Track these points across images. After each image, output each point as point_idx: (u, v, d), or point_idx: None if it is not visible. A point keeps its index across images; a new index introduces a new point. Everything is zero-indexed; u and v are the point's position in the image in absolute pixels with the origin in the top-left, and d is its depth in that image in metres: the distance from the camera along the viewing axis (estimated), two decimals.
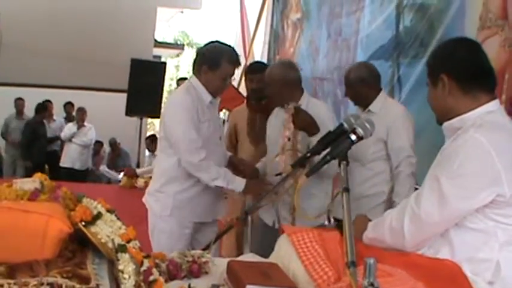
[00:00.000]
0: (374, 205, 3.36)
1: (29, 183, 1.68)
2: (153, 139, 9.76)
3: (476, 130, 1.89)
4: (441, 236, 1.95)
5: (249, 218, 2.42)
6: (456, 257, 1.90)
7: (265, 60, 9.99)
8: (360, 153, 3.25)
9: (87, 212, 1.60)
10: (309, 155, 2.07)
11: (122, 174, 8.50)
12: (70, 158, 10.06)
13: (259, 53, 10.57)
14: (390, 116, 3.49)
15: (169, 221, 2.88)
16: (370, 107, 3.56)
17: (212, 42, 3.22)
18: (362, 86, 3.57)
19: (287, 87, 3.14)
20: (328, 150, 1.95)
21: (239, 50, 12.09)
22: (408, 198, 1.94)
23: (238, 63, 3.11)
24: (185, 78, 9.16)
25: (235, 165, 2.99)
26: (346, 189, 1.74)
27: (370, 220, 2.10)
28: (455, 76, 2.00)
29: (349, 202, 1.69)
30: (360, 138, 1.92)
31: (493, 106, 2.00)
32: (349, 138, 1.92)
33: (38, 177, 1.75)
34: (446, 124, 2.04)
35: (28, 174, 6.56)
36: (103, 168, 10.74)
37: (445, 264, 1.87)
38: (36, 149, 9.82)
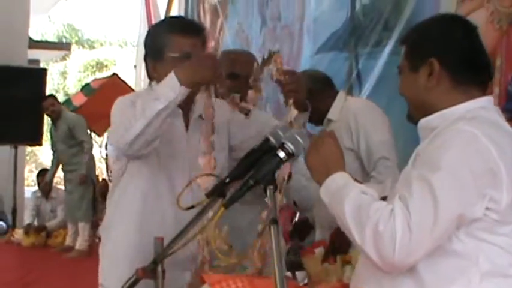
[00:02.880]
0: None
1: None
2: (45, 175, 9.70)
3: (467, 123, 1.97)
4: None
5: (159, 267, 2.50)
6: None
7: None
8: None
9: None
10: (228, 180, 2.17)
11: None
12: None
13: None
14: (350, 116, 3.63)
15: None
16: (329, 116, 3.70)
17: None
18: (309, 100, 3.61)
19: None
20: (251, 172, 2.04)
21: None
22: (393, 201, 1.92)
23: (191, 32, 2.84)
24: (50, 95, 9.18)
25: None
26: (275, 221, 1.84)
27: (341, 163, 2.13)
28: (448, 63, 2.10)
29: (279, 236, 1.80)
30: (290, 155, 2.01)
31: (486, 102, 2.12)
32: (277, 156, 2.00)
33: None
34: (423, 122, 2.14)
35: None
36: None
37: None
38: None
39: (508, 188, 1.92)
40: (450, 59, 2.11)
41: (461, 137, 1.95)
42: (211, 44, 8.65)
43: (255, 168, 2.04)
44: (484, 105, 2.09)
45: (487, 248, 1.93)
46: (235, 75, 3.40)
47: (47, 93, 9.89)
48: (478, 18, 3.90)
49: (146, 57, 2.93)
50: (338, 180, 2.08)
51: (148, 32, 3.06)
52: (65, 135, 8.73)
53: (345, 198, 1.99)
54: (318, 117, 3.66)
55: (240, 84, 3.37)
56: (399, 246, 1.84)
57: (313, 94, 3.50)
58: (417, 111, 2.17)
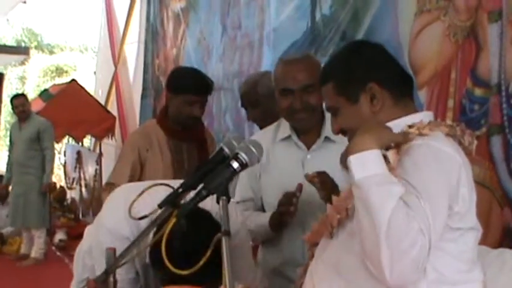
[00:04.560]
0: None
1: None
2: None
3: (427, 139, 1.99)
4: (338, 274, 2.04)
5: (111, 278, 2.47)
6: None
7: (140, 66, 10.01)
8: None
9: None
10: (181, 190, 2.15)
11: None
12: None
13: (133, 55, 10.61)
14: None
15: None
16: (327, 133, 3.08)
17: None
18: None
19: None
20: (204, 183, 2.03)
21: (106, 53, 12.13)
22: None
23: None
24: (22, 94, 9.09)
25: None
26: (227, 233, 1.83)
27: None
28: (386, 82, 2.13)
29: (228, 249, 1.79)
30: (244, 165, 2.01)
31: (429, 116, 2.15)
32: (231, 166, 2.01)
33: None
34: None
35: None
36: None
37: None
38: None
39: (463, 197, 1.96)
40: (386, 78, 2.14)
41: (432, 153, 1.96)
42: (172, 51, 8.63)
43: (208, 179, 2.03)
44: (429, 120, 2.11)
45: (434, 255, 1.90)
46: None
47: (4, 98, 9.79)
48: (435, 31, 3.95)
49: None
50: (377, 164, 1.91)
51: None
52: (31, 138, 8.59)
53: (389, 198, 1.83)
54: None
55: None
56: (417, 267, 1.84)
57: None
58: None
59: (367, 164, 1.89)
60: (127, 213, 2.79)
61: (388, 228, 1.78)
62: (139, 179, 3.88)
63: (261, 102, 3.84)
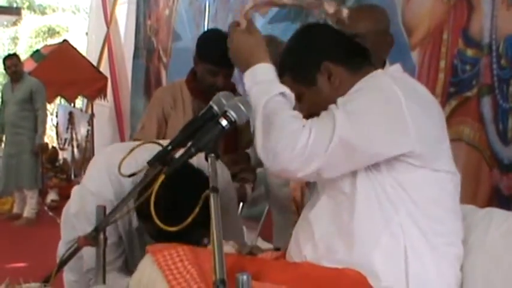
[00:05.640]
0: None
1: None
2: None
3: (379, 74, 2.12)
4: (334, 223, 2.09)
5: (101, 236, 2.48)
6: (355, 255, 2.03)
7: (131, 26, 9.94)
8: None
9: None
10: (170, 147, 2.15)
11: None
12: None
13: (123, 17, 10.53)
14: None
15: None
16: None
17: None
18: None
19: None
20: (193, 140, 2.03)
21: (98, 13, 12.04)
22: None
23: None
24: (15, 54, 9.00)
25: None
26: (215, 189, 1.83)
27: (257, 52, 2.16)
28: (338, 57, 2.19)
29: (218, 205, 1.79)
30: (232, 123, 2.00)
31: (398, 67, 2.24)
32: (219, 124, 1.99)
33: None
34: None
35: None
36: None
37: (345, 276, 2.01)
38: None
39: (419, 139, 1.99)
40: (337, 54, 2.21)
41: (372, 81, 2.09)
42: (165, 12, 8.57)
43: (197, 136, 2.03)
44: (399, 71, 2.21)
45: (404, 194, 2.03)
46: None
47: None
48: None
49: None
50: (259, 72, 2.14)
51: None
52: (23, 98, 8.51)
53: (264, 96, 2.07)
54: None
55: None
56: (296, 153, 1.94)
57: None
58: None
59: (257, 75, 2.13)
60: (111, 175, 2.81)
61: (264, 118, 2.03)
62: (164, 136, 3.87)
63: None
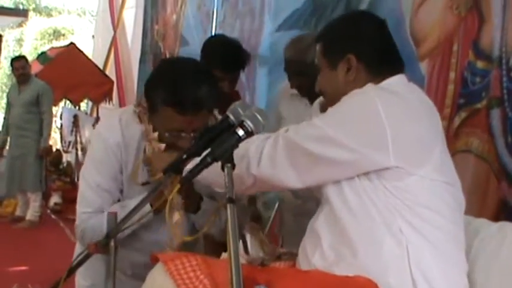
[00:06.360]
0: None
1: None
2: None
3: (366, 88, 2.14)
4: (335, 225, 2.11)
5: (112, 243, 2.46)
6: (359, 259, 2.05)
7: (139, 31, 9.94)
8: None
9: None
10: (185, 156, 2.14)
11: None
12: None
13: (131, 21, 10.54)
14: None
15: None
16: None
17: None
18: None
19: None
20: (209, 150, 2.02)
21: (105, 17, 12.05)
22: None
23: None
24: (23, 57, 8.99)
25: None
26: (231, 200, 1.83)
27: None
28: (364, 57, 2.22)
29: (235, 216, 1.78)
30: (249, 133, 2.00)
31: (398, 78, 2.23)
32: (236, 133, 2.00)
33: None
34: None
35: None
36: None
37: (356, 282, 2.01)
38: None
39: (395, 153, 2.02)
40: (366, 54, 2.23)
41: (354, 95, 2.13)
42: (172, 17, 8.58)
43: (213, 146, 2.03)
44: (391, 82, 2.20)
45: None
46: None
47: (1, 60, 9.70)
48: (437, 3, 3.93)
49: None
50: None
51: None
52: (30, 101, 8.48)
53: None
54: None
55: None
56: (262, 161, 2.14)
57: None
58: (333, 103, 2.23)
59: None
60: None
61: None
62: None
63: (309, 71, 3.50)
